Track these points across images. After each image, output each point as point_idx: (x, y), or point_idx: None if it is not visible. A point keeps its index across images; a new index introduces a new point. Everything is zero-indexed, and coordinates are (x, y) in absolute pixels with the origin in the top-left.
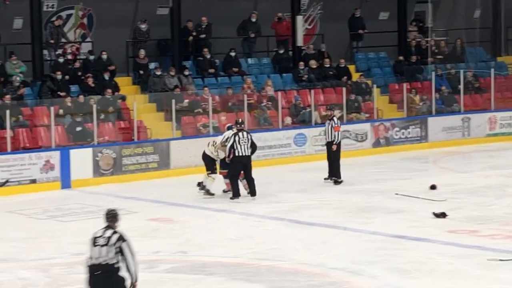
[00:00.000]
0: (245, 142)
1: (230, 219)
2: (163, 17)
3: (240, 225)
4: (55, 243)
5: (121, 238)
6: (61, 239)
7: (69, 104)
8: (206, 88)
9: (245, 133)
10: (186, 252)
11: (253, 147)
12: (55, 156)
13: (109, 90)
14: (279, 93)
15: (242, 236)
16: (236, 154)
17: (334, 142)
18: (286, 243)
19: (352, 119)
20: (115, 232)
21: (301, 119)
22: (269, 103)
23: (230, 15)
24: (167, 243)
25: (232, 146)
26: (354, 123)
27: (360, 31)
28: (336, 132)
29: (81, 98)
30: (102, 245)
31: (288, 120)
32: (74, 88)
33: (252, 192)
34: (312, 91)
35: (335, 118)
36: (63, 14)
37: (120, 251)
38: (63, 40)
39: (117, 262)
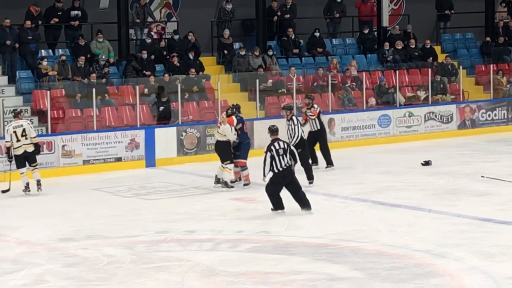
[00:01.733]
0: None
1: (313, 200)
2: None
3: (323, 206)
4: (140, 221)
5: None
6: (145, 217)
7: (153, 83)
8: (292, 68)
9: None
10: (269, 232)
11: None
12: (140, 135)
13: (194, 70)
14: (364, 74)
15: (326, 217)
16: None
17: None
18: (370, 225)
19: (437, 101)
20: None
21: (385, 100)
22: (353, 83)
23: None
24: (250, 222)
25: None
26: (439, 105)
27: (447, 12)
28: (316, 119)
29: (166, 77)
30: None
31: (373, 101)
32: (159, 67)
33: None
34: (397, 72)
35: (315, 105)
36: None
37: None
38: (149, 19)
39: None
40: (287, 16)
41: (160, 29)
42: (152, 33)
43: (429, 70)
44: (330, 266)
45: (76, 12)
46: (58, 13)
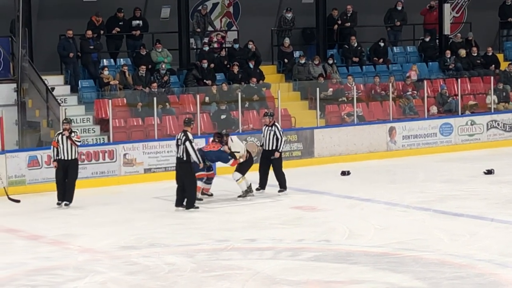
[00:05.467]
0: None
1: (374, 209)
2: (308, 6)
3: (384, 214)
4: (201, 229)
5: None
6: (206, 226)
7: (214, 92)
8: (350, 77)
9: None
10: (330, 241)
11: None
12: (200, 144)
13: (254, 79)
14: (425, 82)
15: (387, 226)
16: None
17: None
18: (432, 234)
19: (500, 109)
20: None
21: (447, 108)
22: (415, 92)
23: (375, 3)
24: (310, 231)
25: None
26: (502, 113)
27: (511, 19)
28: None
29: (225, 86)
30: None
31: (434, 109)
32: (219, 76)
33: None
34: (459, 80)
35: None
36: (210, 3)
37: None
38: (209, 28)
39: None
40: (348, 24)
41: (220, 38)
42: (212, 42)
43: (492, 78)
44: (392, 276)
45: (137, 21)
46: (120, 23)
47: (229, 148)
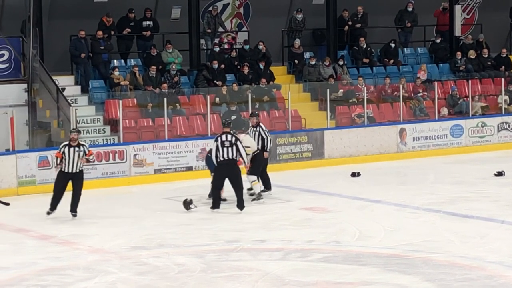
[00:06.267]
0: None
1: (384, 210)
2: (319, 7)
3: (395, 216)
4: (210, 230)
5: None
6: (216, 226)
7: (224, 92)
8: (360, 78)
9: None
10: (340, 242)
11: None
12: (211, 144)
13: (264, 79)
14: (435, 83)
15: (397, 227)
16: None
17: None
18: (442, 236)
19: (510, 111)
20: None
21: (458, 110)
22: (425, 93)
23: (386, 4)
24: (320, 232)
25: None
26: None
27: None
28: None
29: (235, 86)
30: None
31: (445, 110)
32: (229, 77)
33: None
34: (470, 81)
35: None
36: (220, 4)
37: None
38: (220, 29)
39: None
40: (358, 25)
41: (230, 38)
42: (223, 43)
43: (502, 79)
44: (402, 277)
45: (148, 22)
46: (130, 24)
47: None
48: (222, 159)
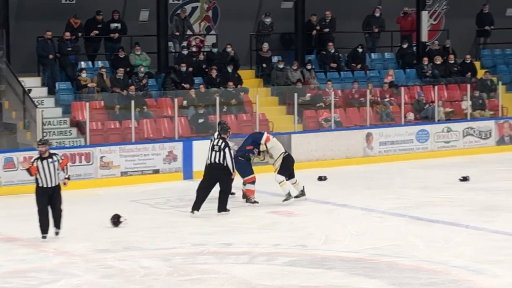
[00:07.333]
0: None
1: (351, 214)
2: (287, 11)
3: (361, 220)
4: (177, 233)
5: None
6: (182, 229)
7: (192, 96)
8: (329, 82)
9: None
10: (306, 246)
11: None
12: (178, 147)
13: (232, 83)
14: (402, 88)
15: (363, 231)
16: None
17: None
18: (407, 240)
19: (476, 116)
20: None
21: (424, 115)
22: (392, 98)
23: (354, 10)
24: (287, 236)
25: None
26: (478, 120)
27: (487, 28)
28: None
29: (202, 88)
30: None
31: (411, 115)
32: (197, 80)
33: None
34: (436, 87)
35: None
36: (189, 6)
37: None
38: (188, 32)
39: None
40: (326, 30)
41: (199, 42)
42: (191, 46)
43: (468, 85)
44: (367, 281)
45: (116, 24)
46: (98, 26)
47: (266, 146)
48: (209, 162)
